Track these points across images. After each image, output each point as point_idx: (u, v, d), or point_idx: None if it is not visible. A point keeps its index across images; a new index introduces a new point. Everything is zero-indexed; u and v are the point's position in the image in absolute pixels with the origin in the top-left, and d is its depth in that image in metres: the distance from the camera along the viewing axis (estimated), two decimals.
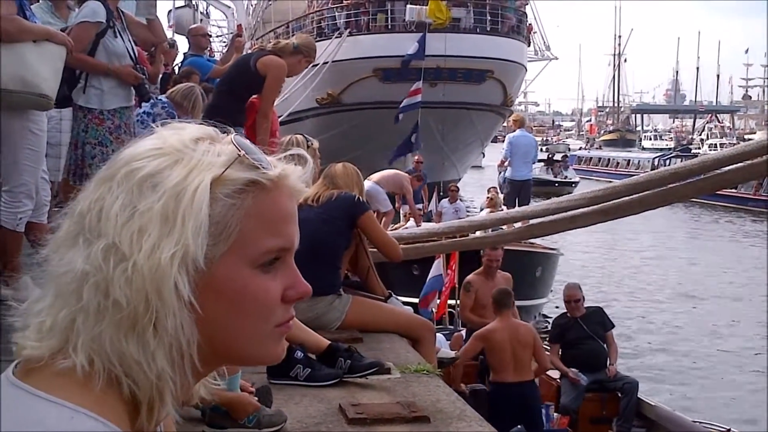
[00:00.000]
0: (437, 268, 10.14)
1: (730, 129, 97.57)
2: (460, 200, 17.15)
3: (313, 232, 4.35)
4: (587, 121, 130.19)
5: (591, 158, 54.08)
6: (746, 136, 77.70)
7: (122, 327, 0.87)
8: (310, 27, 26.69)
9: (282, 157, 0.99)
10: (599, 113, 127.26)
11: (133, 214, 0.88)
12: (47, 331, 0.89)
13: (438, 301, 10.36)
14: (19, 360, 0.91)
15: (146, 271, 0.86)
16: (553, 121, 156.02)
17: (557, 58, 32.17)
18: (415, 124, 21.41)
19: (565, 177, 39.96)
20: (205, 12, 36.15)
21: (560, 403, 8.09)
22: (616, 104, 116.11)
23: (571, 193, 17.61)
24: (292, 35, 11.81)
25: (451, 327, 9.97)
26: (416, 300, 9.72)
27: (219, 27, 42.43)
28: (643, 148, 78.46)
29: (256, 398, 3.23)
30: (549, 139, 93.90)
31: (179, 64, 9.74)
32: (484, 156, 38.45)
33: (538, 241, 12.88)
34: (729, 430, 8.30)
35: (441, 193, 17.21)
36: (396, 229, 11.20)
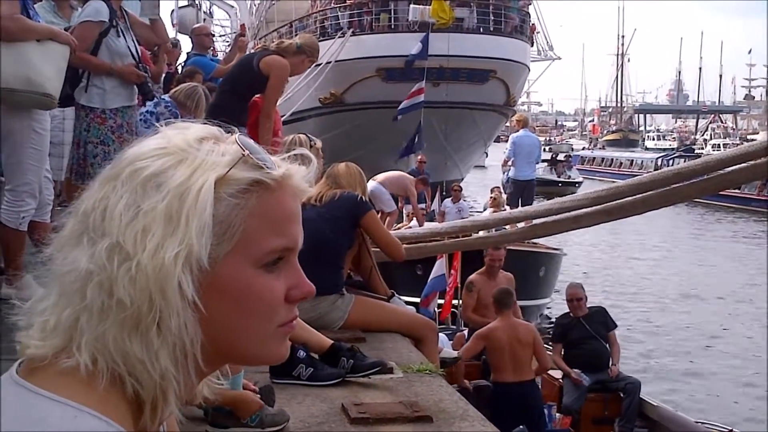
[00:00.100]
0: (439, 268, 10.13)
1: (734, 129, 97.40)
2: (464, 200, 17.14)
3: (315, 231, 4.34)
4: (590, 121, 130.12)
5: (594, 158, 54.03)
6: (749, 137, 77.63)
7: (126, 326, 0.87)
8: (313, 27, 26.71)
9: (286, 157, 0.99)
10: (602, 113, 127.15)
11: (137, 213, 0.88)
12: (51, 330, 0.89)
13: (439, 300, 10.36)
14: (22, 359, 0.91)
15: (150, 270, 0.86)
16: (556, 121, 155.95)
17: (560, 58, 32.16)
18: (418, 123, 21.42)
19: (569, 177, 39.90)
20: (208, 11, 36.14)
21: (562, 403, 8.08)
22: (619, 104, 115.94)
23: (574, 193, 17.57)
24: (295, 35, 11.82)
25: (454, 327, 9.97)
26: (419, 300, 9.73)
27: (222, 26, 42.46)
28: (647, 149, 78.31)
29: (259, 397, 3.23)
30: (552, 139, 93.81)
31: (182, 64, 9.75)
32: (487, 156, 38.42)
33: (541, 241, 12.87)
34: (731, 430, 8.29)
35: (444, 193, 17.20)
36: (399, 228, 11.20)
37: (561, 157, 44.42)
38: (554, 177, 39.10)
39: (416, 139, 21.19)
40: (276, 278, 0.94)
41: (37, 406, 0.84)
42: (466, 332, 8.91)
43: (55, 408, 0.84)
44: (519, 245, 11.39)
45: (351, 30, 25.30)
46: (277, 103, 6.51)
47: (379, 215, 11.98)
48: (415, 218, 13.52)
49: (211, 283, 0.90)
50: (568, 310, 8.71)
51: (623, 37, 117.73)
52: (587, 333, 8.36)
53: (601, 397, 8.24)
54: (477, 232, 8.12)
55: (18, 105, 4.62)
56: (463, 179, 26.63)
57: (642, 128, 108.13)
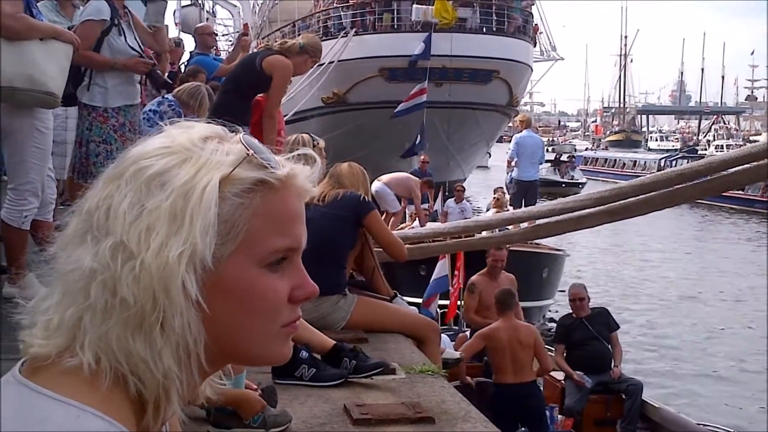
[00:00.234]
0: (441, 269, 10.12)
1: (736, 130, 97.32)
2: (466, 200, 17.13)
3: (318, 231, 4.33)
4: (593, 122, 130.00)
5: (597, 159, 54.01)
6: (752, 138, 77.56)
7: (129, 325, 0.87)
8: (316, 26, 26.71)
9: (290, 156, 0.98)
10: (605, 114, 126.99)
11: (141, 212, 0.88)
12: (54, 329, 0.89)
13: (440, 302, 10.35)
14: (25, 358, 0.91)
15: (154, 269, 0.86)
16: (558, 121, 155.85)
17: (563, 59, 32.13)
18: (421, 124, 21.41)
19: (572, 178, 39.89)
20: (211, 11, 36.22)
21: (564, 404, 8.08)
22: (621, 105, 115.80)
23: (578, 194, 17.56)
24: (298, 34, 11.84)
25: (456, 328, 9.96)
26: (422, 300, 9.73)
27: (225, 26, 42.59)
28: (649, 149, 78.19)
29: (262, 397, 3.22)
30: (555, 139, 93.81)
31: (185, 63, 9.75)
32: (490, 156, 38.42)
33: (544, 242, 12.86)
34: None
35: (447, 193, 17.20)
36: (401, 229, 11.19)
37: (564, 157, 44.39)
38: (558, 178, 39.07)
39: (419, 140, 21.19)
40: (280, 278, 0.94)
41: (40, 405, 0.84)
42: (468, 333, 8.90)
43: (57, 407, 0.83)
44: (522, 246, 11.38)
45: (354, 30, 25.29)
46: (280, 103, 6.51)
47: (384, 216, 12.00)
48: (417, 219, 13.52)
49: (214, 282, 0.90)
50: (570, 311, 8.71)
51: (626, 37, 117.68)
52: (590, 334, 8.35)
53: (603, 399, 8.23)
54: (480, 233, 8.11)
55: (21, 104, 4.62)
56: (465, 179, 26.63)
57: (645, 129, 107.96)
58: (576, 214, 6.11)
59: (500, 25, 25.60)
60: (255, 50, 8.38)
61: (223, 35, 37.64)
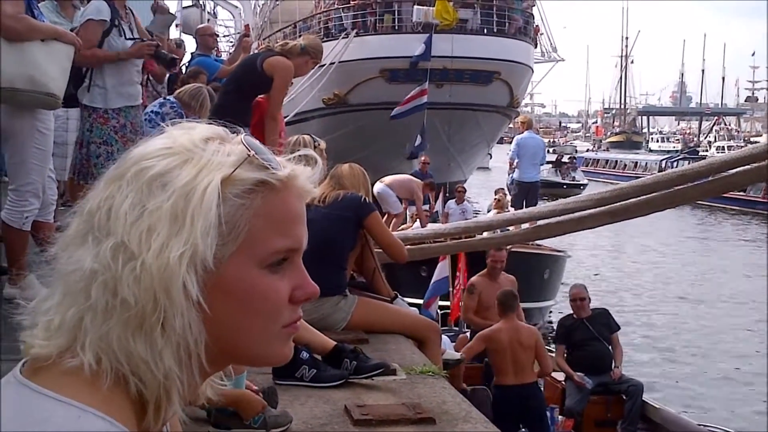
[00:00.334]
0: (441, 270, 10.12)
1: (737, 131, 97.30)
2: (467, 201, 17.12)
3: (319, 232, 4.34)
4: (593, 123, 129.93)
5: (598, 160, 53.99)
6: (752, 139, 77.53)
7: (130, 326, 0.87)
8: (317, 27, 26.69)
9: (291, 157, 0.99)
10: (605, 115, 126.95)
11: (143, 213, 0.88)
12: (55, 329, 0.89)
13: (441, 302, 10.35)
14: (26, 359, 0.91)
15: (155, 270, 0.86)
16: (559, 122, 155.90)
17: (564, 60, 32.10)
18: (422, 125, 21.40)
19: (574, 179, 39.86)
20: (212, 12, 36.25)
21: (565, 405, 8.08)
22: (622, 106, 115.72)
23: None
24: (299, 35, 11.84)
25: (456, 329, 9.96)
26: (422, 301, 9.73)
27: (226, 27, 42.62)
28: (650, 150, 78.13)
29: (262, 398, 3.22)
30: (556, 140, 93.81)
31: (186, 64, 9.76)
32: (491, 157, 38.40)
33: (545, 243, 12.85)
34: None
35: (447, 194, 17.19)
36: (402, 229, 11.19)
37: (566, 158, 44.40)
38: (559, 179, 39.05)
39: (418, 141, 21.18)
40: (280, 279, 0.94)
41: (41, 405, 0.84)
42: (468, 334, 8.90)
43: (58, 408, 0.83)
44: (523, 247, 11.38)
45: (355, 31, 25.27)
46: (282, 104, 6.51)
47: (386, 217, 12.01)
48: (418, 220, 13.52)
49: (215, 283, 0.90)
50: (571, 312, 8.71)
51: (627, 38, 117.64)
52: (590, 334, 8.35)
53: (603, 400, 8.23)
54: (480, 234, 8.11)
55: (22, 105, 4.62)
56: (466, 180, 26.61)
57: (645, 130, 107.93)
58: (577, 215, 6.11)
59: (501, 26, 25.57)
60: (256, 51, 8.38)
61: (224, 36, 37.70)
